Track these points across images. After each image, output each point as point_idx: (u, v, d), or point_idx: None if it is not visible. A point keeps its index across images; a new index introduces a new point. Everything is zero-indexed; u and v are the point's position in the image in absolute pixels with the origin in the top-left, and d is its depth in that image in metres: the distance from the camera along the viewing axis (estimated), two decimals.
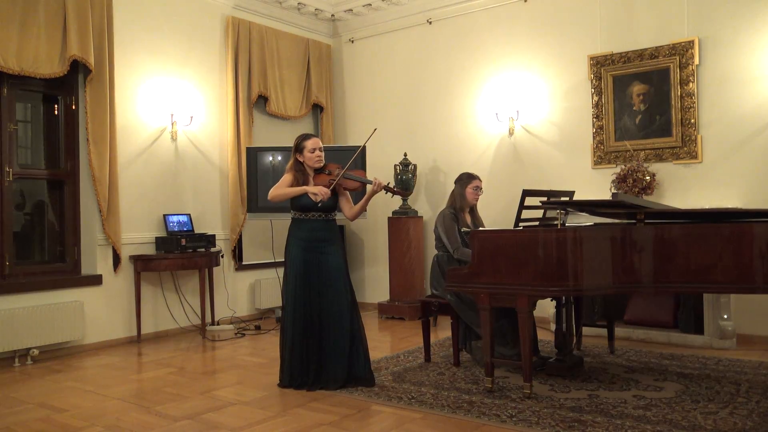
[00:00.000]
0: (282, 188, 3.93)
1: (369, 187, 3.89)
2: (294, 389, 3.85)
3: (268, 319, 6.47)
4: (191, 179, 6.07)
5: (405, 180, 6.44)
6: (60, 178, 5.33)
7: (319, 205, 3.88)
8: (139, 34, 5.67)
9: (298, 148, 3.97)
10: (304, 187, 3.88)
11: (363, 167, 5.99)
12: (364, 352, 3.94)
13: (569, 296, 4.21)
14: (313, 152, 3.93)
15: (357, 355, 3.90)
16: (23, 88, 5.11)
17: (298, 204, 3.93)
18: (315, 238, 3.92)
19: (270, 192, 3.94)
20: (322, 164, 3.97)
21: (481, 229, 4.26)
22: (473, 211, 4.61)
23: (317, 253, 3.90)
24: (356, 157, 4.07)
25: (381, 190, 3.82)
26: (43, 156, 5.38)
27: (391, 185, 3.90)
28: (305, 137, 3.98)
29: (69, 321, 4.98)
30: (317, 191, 3.81)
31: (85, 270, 5.36)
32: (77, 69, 5.24)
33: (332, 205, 3.96)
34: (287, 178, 3.97)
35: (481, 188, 4.58)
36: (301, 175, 3.95)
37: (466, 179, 4.54)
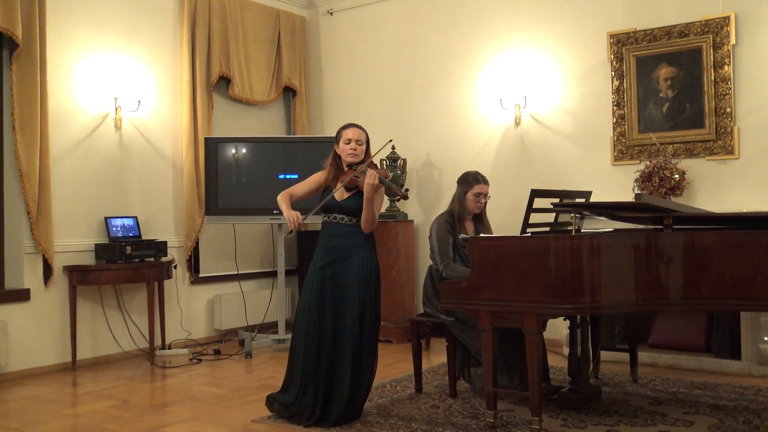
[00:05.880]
0: (287, 191, 3.95)
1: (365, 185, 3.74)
2: (287, 420, 3.84)
3: (230, 342, 6.43)
4: (138, 175, 6.03)
5: (393, 177, 6.44)
6: None
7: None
8: (77, 3, 5.63)
9: (336, 136, 3.99)
10: (284, 208, 3.86)
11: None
12: (367, 385, 3.89)
13: (585, 315, 4.23)
14: (348, 143, 3.91)
15: (358, 388, 3.83)
16: None
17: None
18: (334, 245, 3.89)
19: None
20: (356, 160, 3.90)
21: (482, 235, 4.25)
22: (480, 218, 4.50)
23: (336, 263, 3.86)
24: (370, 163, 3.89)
25: (374, 181, 3.67)
26: None
27: (393, 184, 3.77)
28: (345, 125, 4.00)
29: None
30: (287, 217, 3.78)
31: (9, 283, 5.31)
32: (1, 43, 5.20)
33: (357, 206, 3.86)
34: (314, 176, 4.00)
35: (487, 194, 4.45)
36: (333, 170, 3.95)
37: (467, 182, 4.44)
